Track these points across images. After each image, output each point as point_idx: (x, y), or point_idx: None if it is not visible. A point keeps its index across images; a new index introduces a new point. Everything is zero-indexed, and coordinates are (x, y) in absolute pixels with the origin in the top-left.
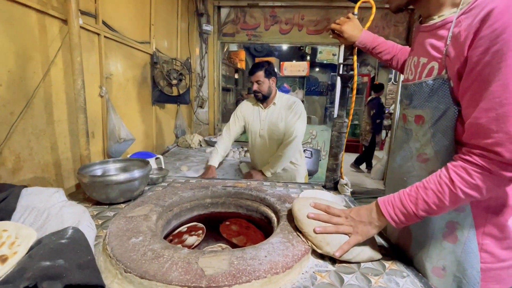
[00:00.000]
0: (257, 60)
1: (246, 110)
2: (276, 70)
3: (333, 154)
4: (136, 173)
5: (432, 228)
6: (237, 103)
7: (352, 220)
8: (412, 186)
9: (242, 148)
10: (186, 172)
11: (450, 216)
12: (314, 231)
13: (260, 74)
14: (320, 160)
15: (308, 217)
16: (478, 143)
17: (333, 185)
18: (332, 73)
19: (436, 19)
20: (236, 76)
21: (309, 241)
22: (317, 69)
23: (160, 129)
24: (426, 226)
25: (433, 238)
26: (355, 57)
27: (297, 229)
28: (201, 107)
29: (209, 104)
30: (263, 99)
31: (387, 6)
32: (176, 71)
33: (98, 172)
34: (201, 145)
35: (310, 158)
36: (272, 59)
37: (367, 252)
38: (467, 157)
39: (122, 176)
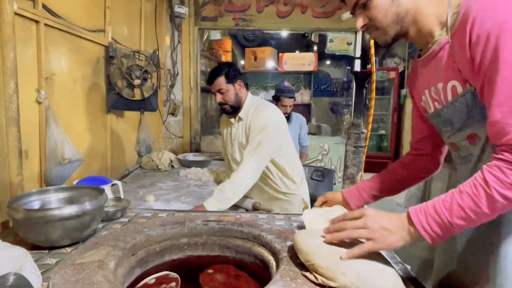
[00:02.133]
0: (247, 51)
1: (223, 128)
2: (275, 64)
3: (348, 175)
4: (87, 206)
5: None
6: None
7: (372, 222)
8: (448, 192)
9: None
10: (153, 203)
11: None
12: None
13: (221, 81)
14: (335, 183)
15: (324, 232)
16: (502, 141)
17: None
18: (348, 67)
19: (433, 46)
20: None
21: (320, 276)
22: (327, 62)
23: (117, 145)
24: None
25: None
26: (372, 50)
27: (303, 267)
28: (172, 114)
29: (184, 111)
30: (233, 111)
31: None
32: (139, 67)
33: (35, 204)
34: (172, 166)
35: (321, 181)
36: (267, 50)
37: None
38: (500, 156)
39: (68, 210)
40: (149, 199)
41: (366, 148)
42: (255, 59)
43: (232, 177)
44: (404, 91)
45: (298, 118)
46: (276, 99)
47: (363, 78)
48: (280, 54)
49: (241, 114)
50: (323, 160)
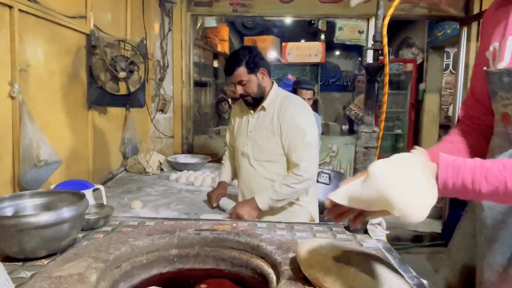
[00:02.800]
0: (246, 40)
1: (235, 117)
2: (277, 55)
3: None
4: (66, 212)
5: None
6: (217, 104)
7: None
8: (497, 160)
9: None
10: (140, 210)
11: None
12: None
13: (241, 71)
14: None
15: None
16: None
17: (360, 225)
18: (359, 58)
19: None
20: (216, 64)
21: None
22: (337, 53)
23: (100, 145)
24: None
25: None
26: (385, 39)
27: (306, 281)
28: (162, 111)
29: (175, 107)
30: (255, 103)
31: None
32: (124, 58)
33: (8, 211)
34: (162, 169)
35: (328, 184)
36: (269, 39)
37: None
38: None
39: (44, 217)
40: (135, 206)
41: (378, 149)
42: None
43: (288, 180)
44: (422, 86)
45: (317, 117)
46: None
47: (375, 71)
48: (283, 44)
49: (265, 103)
50: (331, 163)
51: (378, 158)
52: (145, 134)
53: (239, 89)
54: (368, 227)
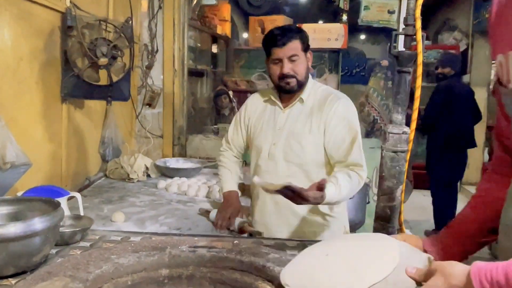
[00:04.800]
0: (252, 20)
1: (253, 111)
2: None
3: (385, 190)
4: (37, 223)
5: None
6: (216, 97)
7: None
8: None
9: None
10: (122, 224)
11: None
12: None
13: (297, 45)
14: (368, 202)
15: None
16: None
17: None
18: (394, 43)
19: None
20: (215, 49)
21: None
22: (361, 37)
23: (75, 145)
24: None
25: None
26: (418, 23)
27: None
28: (149, 105)
29: (165, 101)
30: (298, 88)
31: None
32: (106, 41)
33: None
34: (148, 175)
35: (350, 198)
36: (279, 19)
37: None
38: None
39: (12, 229)
40: (116, 219)
41: (409, 154)
42: (263, 31)
43: (352, 176)
44: (466, 78)
45: None
46: None
47: (406, 60)
48: (297, 25)
49: (304, 95)
50: None
51: (409, 166)
52: (129, 133)
53: (288, 67)
54: None
